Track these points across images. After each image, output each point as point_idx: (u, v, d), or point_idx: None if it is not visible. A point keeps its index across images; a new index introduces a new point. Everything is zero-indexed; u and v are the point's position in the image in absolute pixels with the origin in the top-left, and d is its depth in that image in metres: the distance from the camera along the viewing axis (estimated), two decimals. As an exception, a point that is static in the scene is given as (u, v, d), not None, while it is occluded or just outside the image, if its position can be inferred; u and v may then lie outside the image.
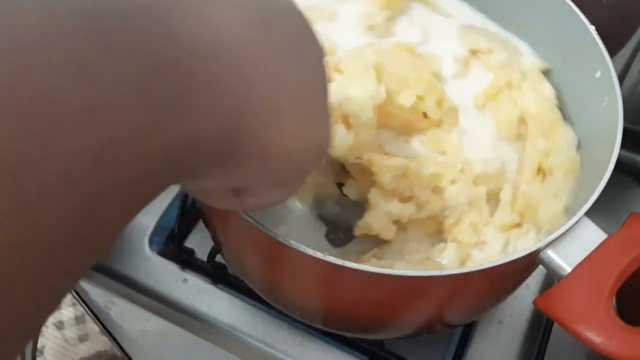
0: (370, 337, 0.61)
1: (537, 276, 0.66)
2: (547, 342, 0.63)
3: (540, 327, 0.64)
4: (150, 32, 0.23)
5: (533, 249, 0.41)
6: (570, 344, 0.63)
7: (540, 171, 0.52)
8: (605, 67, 0.50)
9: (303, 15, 0.31)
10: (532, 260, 0.43)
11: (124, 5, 0.23)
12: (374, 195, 0.51)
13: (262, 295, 0.57)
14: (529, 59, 0.58)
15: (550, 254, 0.42)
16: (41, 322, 0.23)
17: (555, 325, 0.63)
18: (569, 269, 0.42)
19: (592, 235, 0.43)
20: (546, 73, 0.58)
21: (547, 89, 0.56)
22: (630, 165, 0.53)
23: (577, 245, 0.42)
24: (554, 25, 0.55)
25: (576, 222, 0.42)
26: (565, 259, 0.42)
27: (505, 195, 0.51)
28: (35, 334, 0.23)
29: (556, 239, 0.42)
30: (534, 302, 0.42)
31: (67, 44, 0.21)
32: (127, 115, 0.22)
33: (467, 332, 0.63)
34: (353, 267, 0.40)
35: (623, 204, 0.46)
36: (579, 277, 0.41)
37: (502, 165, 0.53)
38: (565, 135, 0.53)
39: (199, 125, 0.25)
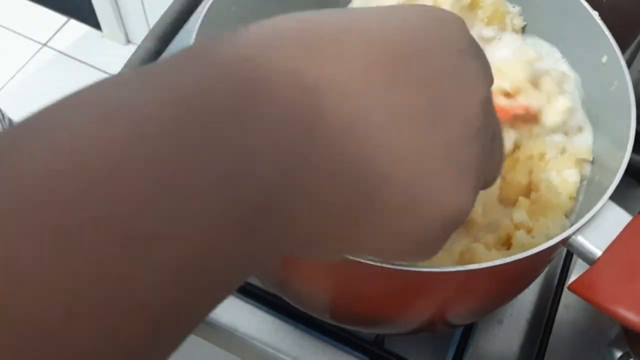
0: (377, 331, 0.57)
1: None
2: (547, 342, 0.59)
3: (540, 327, 0.60)
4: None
5: (562, 236, 0.39)
6: (570, 344, 0.61)
7: (506, 244, 0.47)
8: (612, 51, 0.47)
9: (460, 50, 0.25)
10: (552, 253, 0.41)
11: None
12: None
13: (273, 291, 0.54)
14: (580, 140, 0.51)
15: (580, 239, 0.40)
16: None
17: (555, 325, 0.60)
18: (599, 253, 0.39)
19: (617, 218, 0.40)
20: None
21: (571, 175, 0.48)
22: (631, 165, 0.49)
23: (604, 229, 0.40)
24: (556, 12, 0.52)
25: (601, 207, 0.40)
26: (594, 243, 0.40)
27: (455, 248, 0.46)
28: None
29: (584, 224, 0.40)
30: (568, 288, 0.40)
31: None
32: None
33: (467, 332, 0.60)
34: (364, 262, 0.36)
35: (625, 204, 0.42)
36: (610, 259, 0.39)
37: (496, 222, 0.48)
38: (551, 224, 0.46)
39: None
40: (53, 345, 0.15)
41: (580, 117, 0.52)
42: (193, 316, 0.19)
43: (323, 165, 0.21)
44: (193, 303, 0.19)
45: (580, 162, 0.49)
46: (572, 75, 0.53)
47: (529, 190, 0.49)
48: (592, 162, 0.50)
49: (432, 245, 0.26)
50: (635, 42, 0.57)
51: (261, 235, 0.20)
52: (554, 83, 0.51)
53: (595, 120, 0.51)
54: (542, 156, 0.49)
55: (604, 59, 0.47)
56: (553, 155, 0.49)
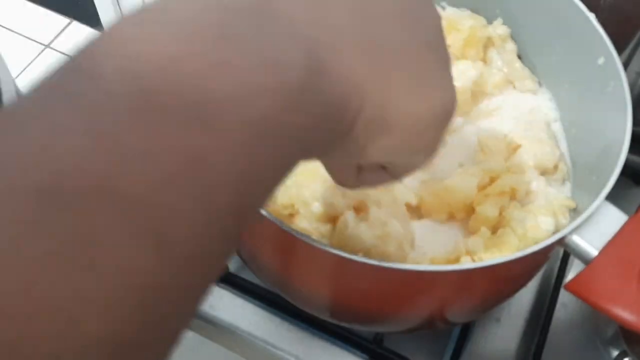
0: (377, 329, 0.56)
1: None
2: (544, 340, 0.57)
3: (538, 325, 0.59)
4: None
5: (558, 236, 0.38)
6: (567, 342, 0.59)
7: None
8: (608, 53, 0.46)
9: None
10: (547, 253, 0.40)
11: None
12: None
13: (274, 290, 0.53)
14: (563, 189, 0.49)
15: (576, 239, 0.39)
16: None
17: (553, 323, 0.58)
18: (595, 252, 0.38)
19: (613, 218, 0.40)
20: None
21: (544, 223, 0.45)
22: (627, 166, 0.48)
23: (600, 228, 0.39)
24: (552, 15, 0.51)
25: (597, 206, 0.39)
26: (590, 243, 0.39)
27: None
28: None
29: (580, 224, 0.39)
30: (565, 287, 0.38)
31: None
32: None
33: (465, 330, 0.59)
34: (363, 261, 0.37)
35: (621, 204, 0.41)
36: (606, 259, 0.38)
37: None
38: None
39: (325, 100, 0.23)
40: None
41: (565, 169, 0.51)
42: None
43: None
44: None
45: (562, 208, 0.46)
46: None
47: (497, 225, 0.46)
48: (575, 210, 0.47)
49: (434, 136, 0.29)
50: (632, 43, 0.56)
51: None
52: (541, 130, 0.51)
53: (589, 122, 0.49)
54: (513, 192, 0.47)
55: (601, 60, 0.46)
56: (531, 198, 0.47)
